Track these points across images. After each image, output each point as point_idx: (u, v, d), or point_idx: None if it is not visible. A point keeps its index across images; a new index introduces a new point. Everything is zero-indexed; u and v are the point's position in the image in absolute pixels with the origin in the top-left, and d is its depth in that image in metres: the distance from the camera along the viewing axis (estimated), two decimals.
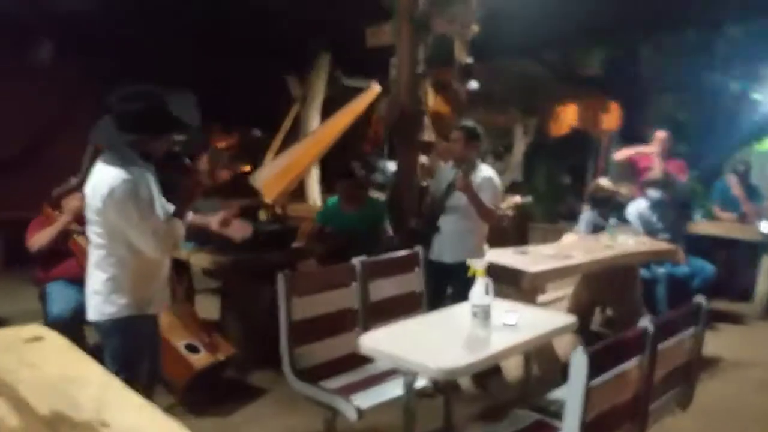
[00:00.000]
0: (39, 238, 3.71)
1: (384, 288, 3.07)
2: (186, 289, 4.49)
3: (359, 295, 2.94)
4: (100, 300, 2.38)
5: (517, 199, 6.70)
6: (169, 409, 3.50)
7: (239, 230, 2.69)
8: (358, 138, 7.04)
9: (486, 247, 3.92)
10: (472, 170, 3.66)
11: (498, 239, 4.88)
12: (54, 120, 7.26)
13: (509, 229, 6.12)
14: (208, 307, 4.57)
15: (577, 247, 4.51)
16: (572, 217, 6.75)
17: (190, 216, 2.68)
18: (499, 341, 2.29)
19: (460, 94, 4.55)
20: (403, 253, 3.29)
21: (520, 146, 9.13)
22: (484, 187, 3.62)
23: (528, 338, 2.35)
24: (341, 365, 2.74)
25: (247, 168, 7.59)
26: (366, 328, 2.92)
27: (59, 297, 3.61)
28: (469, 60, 4.47)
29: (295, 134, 6.59)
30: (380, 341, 2.30)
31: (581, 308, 4.96)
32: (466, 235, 3.71)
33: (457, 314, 2.54)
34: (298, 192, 6.47)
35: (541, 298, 5.11)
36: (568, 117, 9.42)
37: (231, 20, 6.78)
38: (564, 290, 5.28)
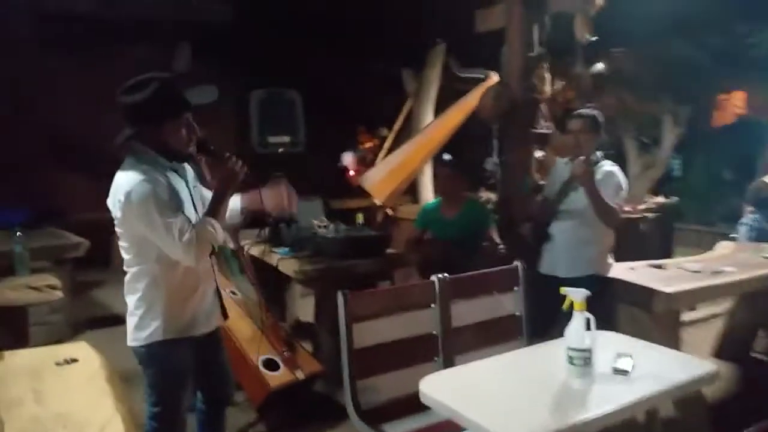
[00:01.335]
0: None
1: (472, 311, 2.57)
2: (275, 299, 4.29)
3: (439, 319, 2.47)
4: (134, 323, 2.14)
5: (659, 198, 5.77)
6: (246, 428, 3.32)
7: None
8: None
9: (611, 259, 3.25)
10: (594, 164, 3.04)
11: (634, 247, 4.16)
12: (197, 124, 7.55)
13: (649, 235, 5.27)
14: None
15: (731, 259, 3.68)
16: (734, 219, 5.75)
17: (237, 201, 2.39)
18: (601, 399, 1.71)
19: (582, 78, 3.89)
20: (497, 268, 2.77)
21: (670, 138, 8.04)
22: (605, 184, 3.00)
23: (644, 395, 1.74)
24: (414, 404, 2.28)
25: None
26: (448, 359, 2.45)
27: None
28: (593, 39, 3.79)
29: (408, 131, 6.21)
30: (444, 386, 1.82)
31: (739, 330, 4.09)
32: (584, 245, 3.10)
33: (554, 353, 1.99)
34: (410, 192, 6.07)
35: (689, 315, 4.29)
36: (733, 105, 8.18)
37: (357, 20, 6.64)
38: (720, 306, 4.39)
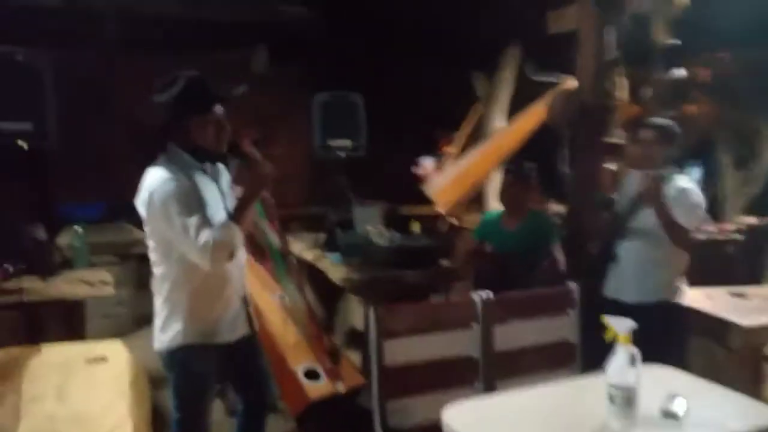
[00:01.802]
0: None
1: (518, 334, 2.39)
2: (327, 305, 4.22)
3: (480, 341, 2.29)
4: (158, 326, 2.12)
5: (752, 219, 5.26)
6: None
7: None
8: None
9: (684, 284, 2.95)
10: (663, 179, 2.78)
11: (718, 273, 3.77)
12: (269, 127, 7.64)
13: (737, 259, 4.80)
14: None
15: None
16: None
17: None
18: None
19: (661, 85, 3.58)
20: (551, 289, 2.56)
21: None
22: (678, 202, 2.72)
23: None
24: None
25: None
26: (489, 384, 2.28)
27: None
28: (675, 42, 3.49)
29: (477, 136, 6.01)
30: (468, 417, 1.66)
31: None
32: (654, 268, 2.83)
33: (596, 388, 1.77)
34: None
35: None
36: None
37: (428, 22, 6.51)
38: None
